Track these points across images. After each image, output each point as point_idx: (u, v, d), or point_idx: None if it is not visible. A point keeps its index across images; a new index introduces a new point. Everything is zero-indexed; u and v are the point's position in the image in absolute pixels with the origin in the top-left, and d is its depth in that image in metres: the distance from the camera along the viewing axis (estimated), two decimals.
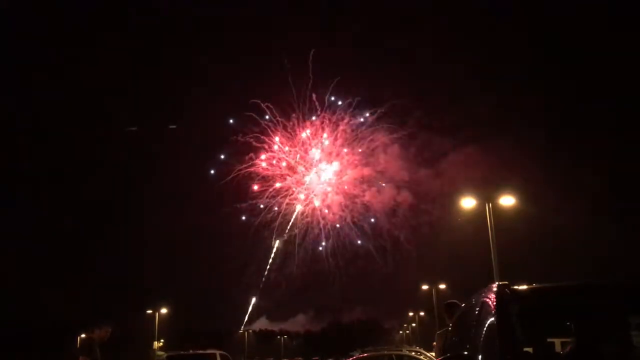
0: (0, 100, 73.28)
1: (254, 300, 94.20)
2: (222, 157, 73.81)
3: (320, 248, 75.07)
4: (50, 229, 76.63)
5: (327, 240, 75.24)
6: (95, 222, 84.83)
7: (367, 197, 74.40)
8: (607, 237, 52.30)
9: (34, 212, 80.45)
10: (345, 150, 73.37)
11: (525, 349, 4.44)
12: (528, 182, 50.13)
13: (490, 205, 21.20)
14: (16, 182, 75.71)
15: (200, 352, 25.01)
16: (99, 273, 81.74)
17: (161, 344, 58.37)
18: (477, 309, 4.84)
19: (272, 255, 79.07)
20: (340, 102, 71.87)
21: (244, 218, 73.94)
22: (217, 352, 23.74)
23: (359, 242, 74.71)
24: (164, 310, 54.13)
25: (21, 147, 76.35)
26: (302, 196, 74.27)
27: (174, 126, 76.27)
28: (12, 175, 73.51)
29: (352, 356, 29.10)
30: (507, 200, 21.57)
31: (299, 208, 74.47)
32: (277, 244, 76.77)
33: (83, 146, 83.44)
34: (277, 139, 72.79)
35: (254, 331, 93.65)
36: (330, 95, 71.41)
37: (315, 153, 73.18)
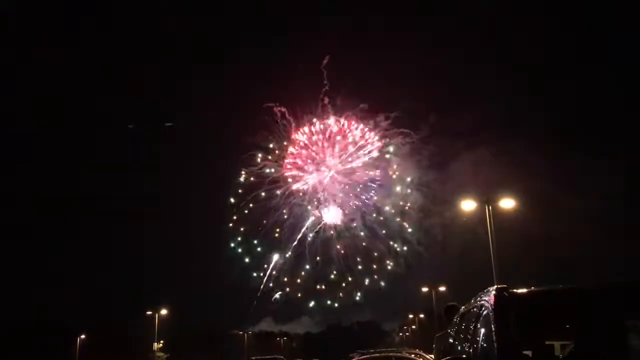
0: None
1: (256, 301, 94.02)
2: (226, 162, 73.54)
3: (330, 249, 75.12)
4: (47, 229, 76.69)
5: (337, 241, 75.24)
6: (94, 224, 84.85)
7: (379, 199, 74.45)
8: (614, 241, 52.09)
9: (34, 212, 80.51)
10: (357, 153, 73.40)
11: (525, 352, 4.46)
12: (538, 184, 50.03)
13: (490, 207, 21.14)
14: (15, 181, 75.75)
15: (268, 357, 31.04)
16: (99, 274, 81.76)
17: (161, 345, 58.21)
18: (477, 311, 4.86)
19: (281, 256, 78.79)
20: (354, 106, 71.96)
21: (253, 215, 73.81)
22: (281, 358, 30.11)
23: (369, 244, 74.72)
24: (163, 312, 53.89)
25: (19, 148, 76.43)
26: (313, 198, 74.30)
27: (170, 124, 75.36)
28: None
29: (351, 358, 28.85)
30: (507, 203, 21.50)
31: (309, 210, 74.52)
32: (286, 245, 76.66)
33: (84, 146, 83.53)
34: (290, 141, 72.88)
35: (253, 333, 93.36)
36: (344, 99, 71.49)
37: (329, 155, 73.25)
